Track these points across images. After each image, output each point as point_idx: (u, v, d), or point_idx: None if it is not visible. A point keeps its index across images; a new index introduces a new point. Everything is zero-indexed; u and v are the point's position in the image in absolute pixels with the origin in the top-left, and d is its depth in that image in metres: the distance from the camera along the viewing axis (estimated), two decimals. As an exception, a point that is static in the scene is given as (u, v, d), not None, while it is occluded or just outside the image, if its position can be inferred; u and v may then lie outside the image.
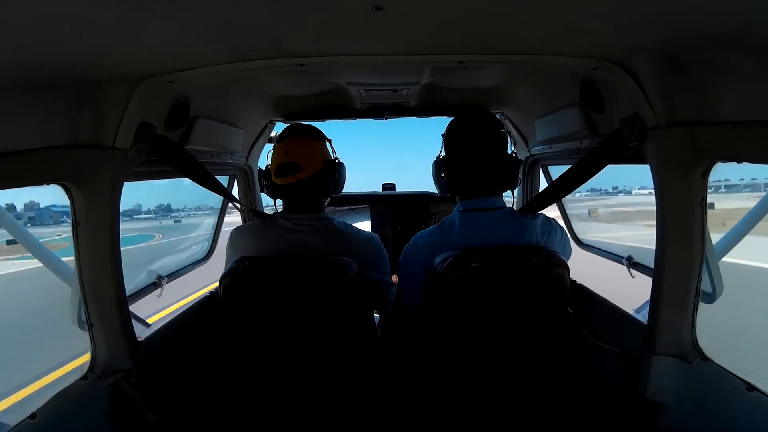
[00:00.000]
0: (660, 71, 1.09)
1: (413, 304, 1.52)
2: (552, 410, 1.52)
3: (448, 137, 1.55)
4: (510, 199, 1.67)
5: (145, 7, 0.73)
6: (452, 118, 1.57)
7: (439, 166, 1.56)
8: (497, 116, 2.32)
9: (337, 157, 1.62)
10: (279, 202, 1.65)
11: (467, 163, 1.50)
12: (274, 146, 1.57)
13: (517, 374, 1.50)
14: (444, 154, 1.56)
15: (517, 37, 1.02)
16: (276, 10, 0.80)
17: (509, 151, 1.54)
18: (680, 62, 1.05)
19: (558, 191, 1.56)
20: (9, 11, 0.64)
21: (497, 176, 1.51)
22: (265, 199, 2.54)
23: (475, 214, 1.49)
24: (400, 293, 1.61)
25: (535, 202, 1.57)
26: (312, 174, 1.50)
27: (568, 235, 1.68)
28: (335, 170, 1.56)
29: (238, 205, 2.18)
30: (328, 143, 1.60)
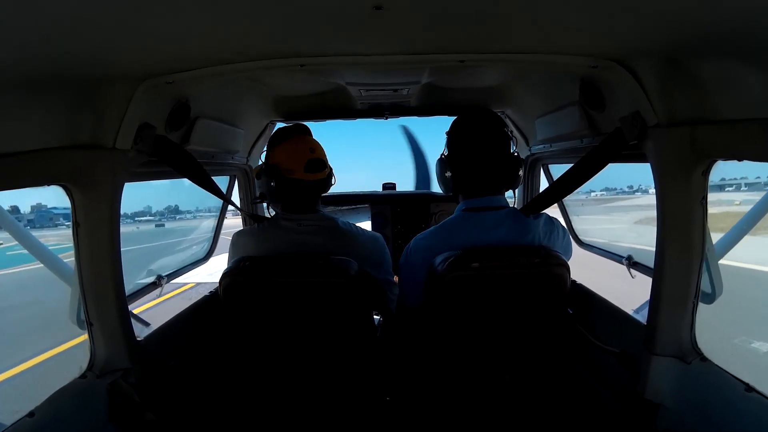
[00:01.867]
0: (660, 70, 1.09)
1: (414, 305, 1.52)
2: (551, 410, 1.52)
3: (452, 136, 1.54)
4: (512, 198, 1.67)
5: (146, 8, 0.73)
6: (455, 117, 1.57)
7: (442, 164, 1.56)
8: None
9: None
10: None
11: (471, 162, 1.50)
12: (283, 143, 1.55)
13: (517, 374, 1.50)
14: (447, 152, 1.56)
15: (517, 36, 1.02)
16: (276, 10, 0.80)
17: (512, 150, 1.54)
18: (680, 61, 1.05)
19: (560, 191, 1.56)
20: (9, 11, 0.64)
21: (500, 175, 1.51)
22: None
23: (477, 213, 1.49)
24: (401, 294, 1.61)
25: (537, 201, 1.57)
26: (328, 173, 1.58)
27: (570, 236, 1.68)
28: (331, 170, 1.62)
29: (236, 208, 2.18)
30: None
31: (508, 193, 1.63)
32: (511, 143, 1.53)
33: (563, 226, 1.57)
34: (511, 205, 1.57)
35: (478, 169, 1.50)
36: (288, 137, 1.56)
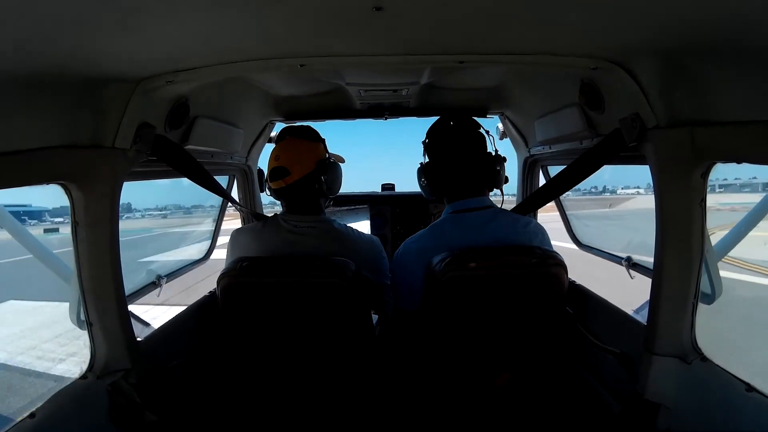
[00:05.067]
0: (660, 71, 1.09)
1: (408, 308, 1.52)
2: (551, 410, 1.52)
3: (429, 143, 1.57)
4: (499, 198, 1.68)
5: (145, 8, 0.73)
6: (430, 125, 1.59)
7: (422, 171, 1.58)
8: (492, 116, 2.35)
9: (332, 156, 1.61)
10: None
11: (449, 165, 1.53)
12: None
13: (516, 374, 1.50)
14: (426, 159, 1.59)
15: (517, 37, 1.02)
16: (276, 10, 0.80)
17: (489, 150, 1.56)
18: (680, 62, 1.05)
19: (555, 190, 1.57)
20: (9, 11, 0.64)
21: (479, 175, 1.54)
22: (265, 199, 2.55)
23: (464, 214, 1.50)
24: (396, 298, 1.61)
25: (532, 200, 1.58)
26: (301, 177, 1.50)
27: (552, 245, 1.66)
28: (326, 171, 1.53)
29: (236, 206, 2.18)
30: (322, 144, 1.59)
31: (505, 194, 1.64)
32: (488, 142, 1.55)
33: (548, 237, 1.57)
34: (499, 206, 1.58)
35: (457, 172, 1.52)
36: (276, 142, 1.57)
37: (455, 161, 1.51)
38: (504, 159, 1.58)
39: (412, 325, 1.52)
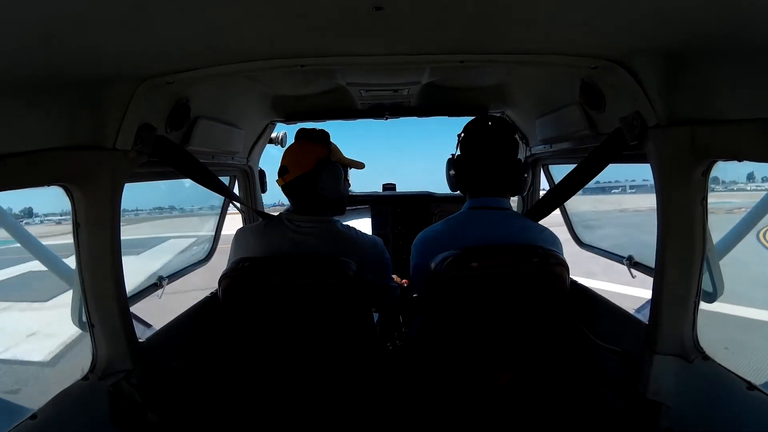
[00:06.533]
0: (660, 70, 1.09)
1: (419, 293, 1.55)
2: (553, 409, 1.52)
3: (465, 137, 1.59)
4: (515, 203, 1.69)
5: (146, 8, 0.73)
6: (470, 120, 1.61)
7: (452, 164, 1.60)
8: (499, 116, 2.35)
9: (342, 159, 1.61)
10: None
11: (479, 161, 1.54)
12: None
13: (518, 373, 1.50)
14: (459, 153, 1.60)
15: (517, 36, 1.02)
16: (276, 10, 0.80)
17: (519, 156, 1.58)
18: (681, 61, 1.05)
19: (562, 194, 1.58)
20: (9, 12, 0.64)
21: (507, 178, 1.55)
22: (266, 200, 2.56)
23: (483, 211, 1.52)
24: (411, 288, 1.63)
25: (541, 206, 1.59)
26: (298, 176, 1.52)
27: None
28: (321, 172, 1.51)
29: (239, 205, 2.18)
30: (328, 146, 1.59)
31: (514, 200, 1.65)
32: (519, 149, 1.56)
33: (561, 247, 1.57)
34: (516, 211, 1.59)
35: (485, 170, 1.54)
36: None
37: (486, 159, 1.54)
38: (530, 166, 1.59)
39: (415, 312, 1.52)
